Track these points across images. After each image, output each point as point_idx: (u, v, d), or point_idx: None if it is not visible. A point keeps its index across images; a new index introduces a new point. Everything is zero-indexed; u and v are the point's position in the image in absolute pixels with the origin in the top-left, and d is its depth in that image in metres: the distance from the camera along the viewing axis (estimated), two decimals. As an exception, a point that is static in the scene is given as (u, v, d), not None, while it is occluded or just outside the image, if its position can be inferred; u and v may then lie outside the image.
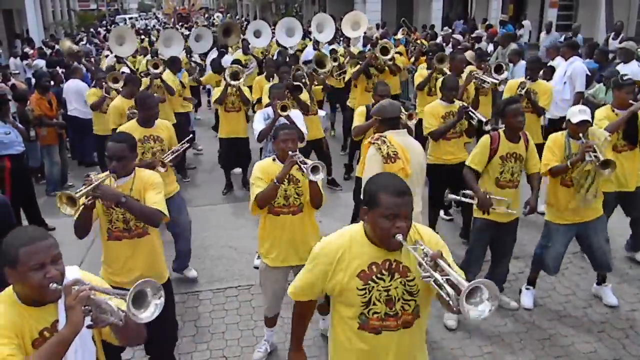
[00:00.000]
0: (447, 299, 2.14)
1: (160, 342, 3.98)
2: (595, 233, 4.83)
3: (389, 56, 8.30)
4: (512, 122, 4.63)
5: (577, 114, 4.63)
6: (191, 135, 10.28)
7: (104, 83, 8.28)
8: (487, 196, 4.58)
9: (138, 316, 2.14)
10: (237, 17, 40.24)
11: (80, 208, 3.44)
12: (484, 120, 5.86)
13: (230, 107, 7.87)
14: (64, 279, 2.26)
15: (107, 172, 3.73)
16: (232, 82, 7.57)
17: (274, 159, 4.21)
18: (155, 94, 8.33)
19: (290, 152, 4.01)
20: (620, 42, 12.56)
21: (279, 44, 12.61)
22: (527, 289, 5.18)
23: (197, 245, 6.23)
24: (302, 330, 2.98)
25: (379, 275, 2.43)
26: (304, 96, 7.27)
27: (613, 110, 5.45)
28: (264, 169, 4.13)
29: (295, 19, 13.79)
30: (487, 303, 2.09)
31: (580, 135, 4.59)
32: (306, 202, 4.17)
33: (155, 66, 8.67)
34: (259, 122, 6.10)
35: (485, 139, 4.75)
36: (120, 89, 7.93)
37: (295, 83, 7.13)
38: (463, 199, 4.90)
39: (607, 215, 5.14)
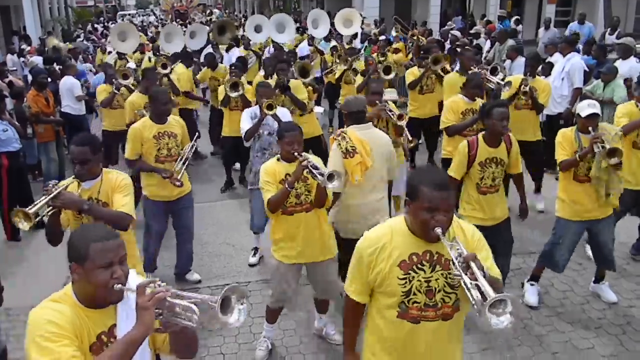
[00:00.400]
0: (472, 302, 2.17)
1: None
2: (604, 231, 4.83)
3: (390, 76, 8.14)
4: (495, 126, 4.47)
5: (587, 107, 4.62)
6: (197, 134, 10.31)
7: (114, 80, 8.27)
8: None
9: (226, 321, 2.08)
10: (235, 13, 40.12)
11: (38, 220, 3.37)
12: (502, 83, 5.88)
13: (234, 107, 7.79)
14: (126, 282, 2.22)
15: (72, 177, 3.63)
16: (233, 94, 7.41)
17: (278, 159, 4.19)
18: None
19: (298, 156, 3.99)
20: (617, 38, 12.57)
21: (273, 40, 12.45)
22: (531, 284, 5.14)
23: (195, 242, 6.20)
24: (356, 332, 2.90)
25: (419, 266, 2.46)
26: (302, 95, 7.18)
27: (637, 106, 5.40)
28: (270, 171, 4.12)
29: (286, 14, 13.69)
30: (508, 316, 2.12)
31: (590, 129, 4.57)
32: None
33: (164, 66, 8.65)
34: (246, 122, 5.94)
35: (463, 146, 4.60)
36: (131, 85, 7.96)
37: (287, 83, 7.00)
38: None
39: (622, 213, 5.15)
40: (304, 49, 12.25)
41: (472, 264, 2.21)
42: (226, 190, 8.31)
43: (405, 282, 2.46)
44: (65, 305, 2.18)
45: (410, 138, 5.84)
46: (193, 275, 5.73)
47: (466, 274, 2.21)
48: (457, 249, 2.33)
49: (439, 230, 2.33)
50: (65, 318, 2.12)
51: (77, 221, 3.66)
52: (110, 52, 13.75)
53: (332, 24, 13.40)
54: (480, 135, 4.64)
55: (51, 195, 3.36)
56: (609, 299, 5.10)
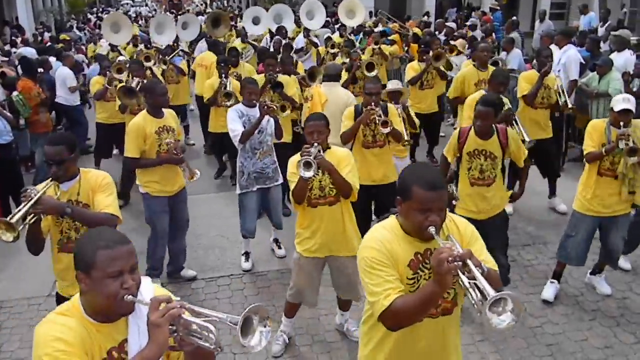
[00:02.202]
0: (472, 302, 2.12)
1: None
2: (616, 229, 4.80)
3: (374, 73, 7.95)
4: (473, 122, 4.59)
5: (621, 102, 4.55)
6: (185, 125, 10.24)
7: (107, 72, 8.18)
8: (450, 192, 4.62)
9: (248, 344, 1.94)
10: (228, 4, 39.86)
11: (23, 228, 3.18)
12: (527, 139, 5.69)
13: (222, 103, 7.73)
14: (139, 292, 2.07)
15: (48, 180, 3.42)
16: (226, 104, 7.15)
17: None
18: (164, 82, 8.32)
19: (306, 146, 3.97)
20: (607, 30, 12.55)
21: (271, 32, 12.08)
22: (551, 282, 5.07)
23: (189, 234, 6.17)
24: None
25: (424, 264, 2.44)
26: (292, 91, 6.95)
27: None
28: (294, 163, 4.05)
29: (285, 4, 13.41)
30: (509, 314, 2.06)
31: (621, 123, 4.49)
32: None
33: (147, 59, 8.62)
34: (235, 122, 5.50)
35: (456, 132, 4.75)
36: (124, 80, 7.81)
37: (277, 79, 6.82)
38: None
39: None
40: (299, 41, 12.07)
41: (469, 262, 2.15)
42: (219, 177, 8.29)
43: (414, 282, 2.43)
44: (72, 319, 2.03)
45: (407, 139, 5.68)
46: (188, 272, 5.62)
47: (463, 273, 2.15)
48: (450, 247, 2.27)
49: (432, 229, 2.29)
50: (73, 333, 1.98)
51: (57, 227, 3.50)
52: (101, 43, 13.58)
53: (332, 15, 13.11)
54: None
55: (31, 202, 3.15)
56: (603, 291, 5.11)
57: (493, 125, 4.62)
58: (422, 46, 8.70)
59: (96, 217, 3.35)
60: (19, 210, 3.14)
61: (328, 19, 16.52)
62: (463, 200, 4.69)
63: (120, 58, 9.85)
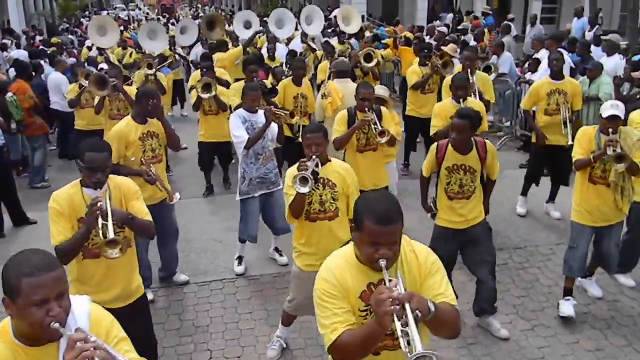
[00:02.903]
0: (402, 347, 2.03)
1: None
2: (610, 237, 4.76)
3: (372, 63, 8.09)
4: (449, 134, 4.51)
5: (609, 108, 4.50)
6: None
7: (78, 80, 8.11)
8: (429, 204, 4.78)
9: None
10: (222, 7, 39.87)
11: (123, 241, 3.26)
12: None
13: (208, 110, 7.62)
14: (70, 314, 2.01)
15: (76, 187, 3.40)
16: (204, 95, 7.29)
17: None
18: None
19: (302, 160, 3.89)
20: (595, 33, 12.64)
21: (268, 37, 11.79)
22: (566, 299, 4.88)
23: (181, 239, 6.15)
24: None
25: None
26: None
27: None
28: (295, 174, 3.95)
29: (286, 9, 13.38)
30: None
31: (610, 130, 4.43)
32: (342, 206, 4.04)
33: (150, 66, 8.53)
34: (239, 128, 5.42)
35: (433, 146, 4.64)
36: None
37: (269, 86, 6.83)
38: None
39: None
40: (295, 45, 12.07)
41: (407, 306, 2.01)
42: (209, 196, 8.03)
43: (366, 314, 2.34)
44: (1, 343, 2.00)
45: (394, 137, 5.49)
46: (180, 277, 5.57)
47: (400, 317, 2.01)
48: (395, 286, 2.12)
49: (382, 262, 2.19)
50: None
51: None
52: (89, 48, 13.50)
53: (330, 20, 13.01)
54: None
55: (110, 214, 3.17)
56: (594, 294, 5.13)
57: (472, 138, 4.50)
58: (425, 50, 8.60)
59: (146, 224, 3.47)
60: (108, 225, 3.16)
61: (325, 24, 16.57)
62: (443, 211, 4.63)
63: (103, 65, 9.79)
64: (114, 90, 7.09)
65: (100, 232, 3.21)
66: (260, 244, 5.91)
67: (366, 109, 5.18)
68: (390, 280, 2.16)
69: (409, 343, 2.00)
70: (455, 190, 4.53)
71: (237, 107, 6.30)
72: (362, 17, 19.51)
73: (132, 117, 5.04)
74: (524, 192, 6.96)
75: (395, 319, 2.01)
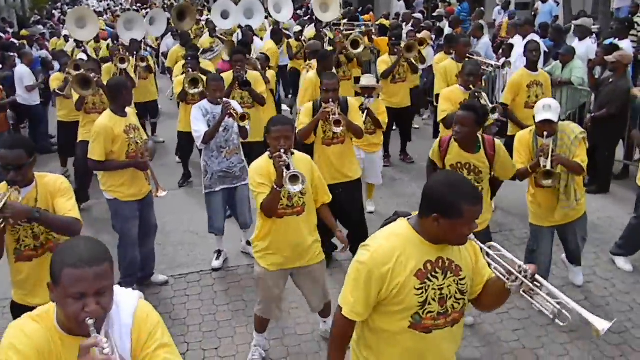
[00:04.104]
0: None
1: None
2: (574, 233, 4.76)
3: (360, 50, 8.05)
4: (452, 127, 4.22)
5: (541, 111, 4.35)
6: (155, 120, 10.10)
7: (65, 69, 7.93)
8: None
9: None
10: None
11: None
12: (489, 106, 5.56)
13: (191, 100, 7.49)
14: (115, 308, 1.96)
15: (5, 186, 3.26)
16: (191, 91, 7.26)
17: (270, 157, 3.85)
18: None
19: (275, 155, 3.70)
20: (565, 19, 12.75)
21: (240, 27, 11.67)
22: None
23: (158, 231, 6.10)
24: (343, 355, 2.62)
25: (433, 274, 2.37)
26: (261, 87, 6.87)
27: None
28: (263, 171, 3.83)
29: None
30: None
31: (545, 134, 4.30)
32: (309, 200, 3.95)
33: (122, 61, 8.41)
34: (199, 121, 5.34)
35: (438, 140, 4.41)
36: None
37: (245, 78, 6.63)
38: None
39: None
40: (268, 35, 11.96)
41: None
42: (184, 184, 8.05)
43: (422, 292, 2.36)
44: (40, 326, 1.95)
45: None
46: (159, 277, 5.45)
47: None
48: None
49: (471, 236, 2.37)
50: (31, 344, 1.90)
51: (13, 235, 3.34)
52: (66, 37, 13.22)
53: (300, 7, 12.93)
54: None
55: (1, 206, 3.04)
56: (574, 280, 5.14)
57: (479, 135, 4.24)
58: (393, 39, 8.59)
59: (62, 221, 3.27)
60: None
61: (299, 12, 16.42)
62: None
63: (82, 55, 9.64)
64: (97, 87, 6.97)
65: None
66: (237, 235, 5.89)
67: (330, 99, 5.06)
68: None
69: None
70: None
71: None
72: (340, 4, 19.45)
73: (112, 110, 4.90)
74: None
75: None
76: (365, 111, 5.88)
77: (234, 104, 5.60)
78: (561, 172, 4.41)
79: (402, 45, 8.00)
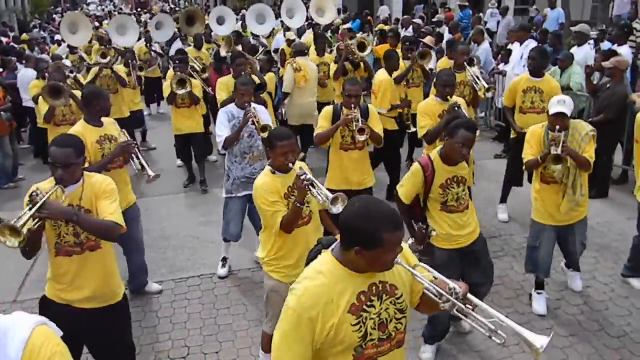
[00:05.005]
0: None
1: None
2: (574, 236, 4.76)
3: (367, 51, 8.03)
4: (454, 149, 3.89)
5: (555, 104, 4.41)
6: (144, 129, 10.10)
7: (46, 74, 7.81)
8: (422, 230, 3.95)
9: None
10: (197, 2, 39.49)
11: (26, 234, 3.02)
12: (468, 116, 5.43)
13: (180, 104, 7.62)
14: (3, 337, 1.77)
15: (52, 183, 3.28)
16: (179, 92, 7.29)
17: (272, 172, 3.78)
18: (107, 86, 8.13)
19: (298, 173, 3.58)
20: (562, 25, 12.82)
21: (251, 33, 11.79)
22: (538, 293, 4.91)
23: (158, 236, 6.14)
24: None
25: (368, 304, 2.25)
26: (271, 85, 7.11)
27: None
28: (272, 188, 3.70)
29: (266, 5, 13.22)
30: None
31: (557, 127, 4.35)
32: (314, 208, 3.89)
33: (103, 55, 8.42)
34: (223, 126, 5.28)
35: (416, 168, 4.05)
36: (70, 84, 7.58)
37: (257, 82, 6.59)
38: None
39: None
40: (279, 40, 11.97)
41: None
42: (189, 185, 8.07)
43: (360, 326, 2.24)
44: None
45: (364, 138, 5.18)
46: (152, 286, 5.33)
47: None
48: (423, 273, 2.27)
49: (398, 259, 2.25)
50: None
51: (54, 230, 3.34)
52: (59, 42, 13.18)
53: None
54: (434, 154, 4.06)
55: (37, 205, 3.04)
56: (573, 286, 5.14)
57: None
58: (407, 44, 8.49)
59: (100, 224, 3.27)
60: (24, 214, 3.03)
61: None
62: (440, 227, 4.07)
63: (66, 62, 9.64)
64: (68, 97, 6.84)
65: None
66: (240, 239, 5.88)
67: (352, 105, 5.03)
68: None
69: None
70: (453, 205, 4.07)
71: (223, 103, 6.29)
72: (339, 9, 19.54)
73: (85, 120, 4.79)
74: (504, 199, 6.71)
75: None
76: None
77: (260, 109, 5.51)
78: (570, 166, 4.46)
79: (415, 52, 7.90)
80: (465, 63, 6.71)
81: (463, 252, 4.14)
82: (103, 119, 4.85)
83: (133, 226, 4.95)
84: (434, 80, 5.85)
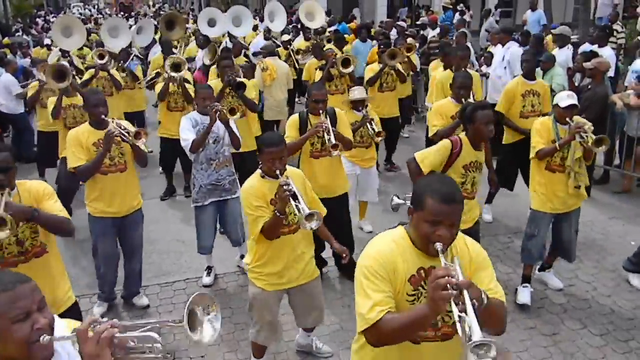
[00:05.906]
0: (459, 333, 1.99)
1: None
2: (569, 224, 4.90)
3: (349, 69, 7.83)
4: (481, 130, 4.14)
5: (566, 98, 4.65)
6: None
7: (38, 78, 7.78)
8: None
9: (200, 338, 1.81)
10: (181, 5, 39.36)
11: None
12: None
13: (173, 107, 7.43)
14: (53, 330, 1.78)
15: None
16: (174, 74, 7.03)
17: (262, 176, 3.73)
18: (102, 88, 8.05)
19: (281, 182, 3.52)
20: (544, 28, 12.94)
21: (229, 35, 11.52)
22: (524, 287, 5.01)
23: (144, 240, 6.08)
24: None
25: (426, 281, 2.28)
26: (252, 94, 6.76)
27: None
28: (258, 193, 3.67)
29: (244, 7, 13.20)
30: None
31: (568, 119, 4.61)
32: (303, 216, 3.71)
33: (101, 57, 8.32)
34: (188, 130, 5.16)
35: (446, 143, 4.25)
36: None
37: (238, 80, 6.55)
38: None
39: None
40: (259, 44, 11.95)
41: (465, 293, 1.97)
42: (166, 198, 7.79)
43: (414, 299, 2.30)
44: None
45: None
46: (141, 299, 5.20)
47: (457, 304, 1.98)
48: (454, 272, 2.07)
49: (439, 245, 2.18)
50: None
51: None
52: (48, 46, 13.05)
53: (292, 16, 12.94)
54: (462, 136, 4.29)
55: (2, 206, 3.06)
56: (555, 286, 5.23)
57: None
58: (382, 47, 8.54)
59: (58, 218, 3.34)
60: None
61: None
62: None
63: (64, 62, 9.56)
64: (72, 88, 6.78)
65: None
66: (222, 243, 5.87)
67: (320, 111, 4.95)
68: (448, 265, 2.11)
69: (468, 329, 1.94)
70: (468, 189, 4.27)
71: None
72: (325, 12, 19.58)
73: (89, 123, 4.75)
74: (489, 200, 6.71)
75: (453, 305, 1.98)
76: (369, 123, 5.88)
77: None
78: (579, 158, 4.66)
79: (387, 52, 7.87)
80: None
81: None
82: (117, 120, 4.74)
83: (133, 231, 4.98)
84: (451, 82, 5.82)
